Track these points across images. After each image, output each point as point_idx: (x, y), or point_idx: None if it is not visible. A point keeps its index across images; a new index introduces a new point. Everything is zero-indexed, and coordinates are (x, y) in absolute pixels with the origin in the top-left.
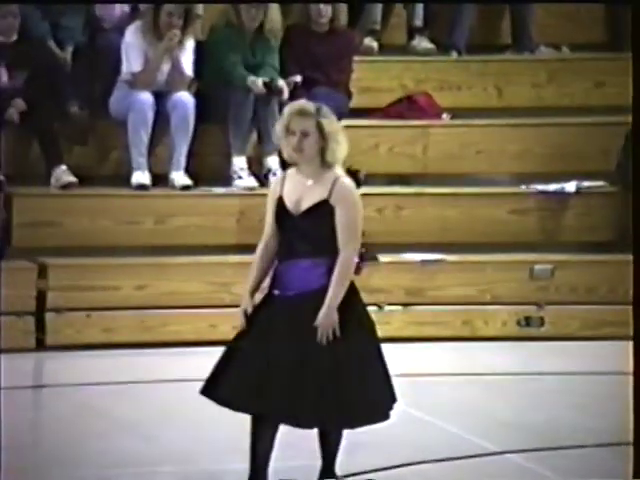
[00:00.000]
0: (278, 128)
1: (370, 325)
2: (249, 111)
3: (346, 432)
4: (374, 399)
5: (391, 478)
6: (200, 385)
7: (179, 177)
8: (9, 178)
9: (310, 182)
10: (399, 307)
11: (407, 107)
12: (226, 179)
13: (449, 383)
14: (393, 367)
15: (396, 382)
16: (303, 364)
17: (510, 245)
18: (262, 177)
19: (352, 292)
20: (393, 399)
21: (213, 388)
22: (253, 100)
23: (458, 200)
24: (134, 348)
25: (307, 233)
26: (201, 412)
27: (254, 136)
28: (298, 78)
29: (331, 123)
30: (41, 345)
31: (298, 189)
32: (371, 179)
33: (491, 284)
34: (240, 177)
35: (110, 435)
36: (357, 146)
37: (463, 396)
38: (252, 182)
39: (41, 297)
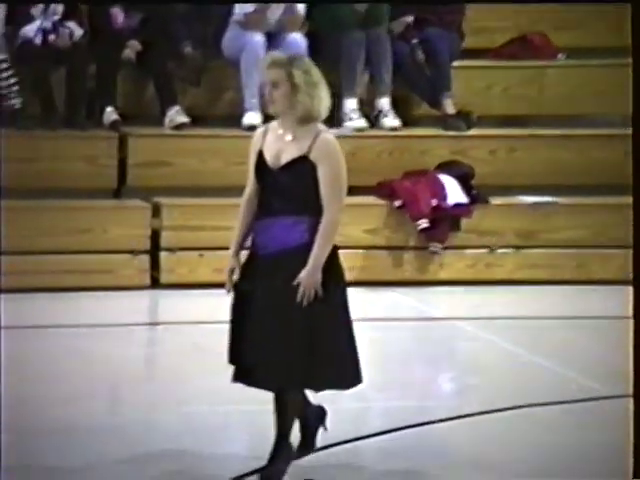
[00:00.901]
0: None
1: (345, 290)
2: (361, 52)
3: (456, 374)
4: (344, 363)
5: (503, 420)
6: None
7: None
8: (124, 118)
9: (289, 136)
10: (511, 250)
11: (521, 47)
12: (337, 120)
13: (562, 327)
14: (506, 311)
15: (507, 325)
16: (280, 324)
17: (626, 187)
18: (373, 118)
19: (333, 254)
20: (358, 377)
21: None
22: (365, 40)
23: (573, 142)
24: None
25: (286, 189)
26: None
27: (365, 77)
28: (410, 19)
29: (305, 74)
30: (156, 283)
31: (278, 143)
32: (484, 120)
33: (606, 227)
34: (351, 118)
35: (221, 373)
36: (469, 87)
37: (576, 340)
38: (363, 123)
39: (155, 236)
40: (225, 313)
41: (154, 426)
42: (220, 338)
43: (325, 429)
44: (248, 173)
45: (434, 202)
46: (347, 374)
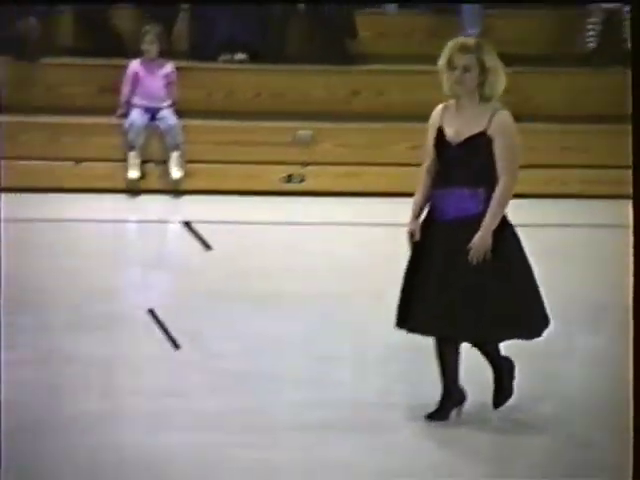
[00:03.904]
0: (440, 63)
1: (519, 247)
2: None
3: None
4: (522, 315)
5: None
6: None
7: None
8: None
9: (469, 114)
10: None
11: None
12: None
13: None
14: None
15: None
16: (451, 280)
17: None
18: None
19: (504, 220)
20: (546, 320)
21: (401, 319)
22: None
23: None
24: None
25: (465, 162)
26: None
27: None
28: None
29: (491, 58)
30: None
31: (457, 120)
32: None
33: None
34: None
35: None
36: None
37: None
38: None
39: None
40: None
41: None
42: None
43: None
44: (426, 148)
45: None
46: (528, 323)
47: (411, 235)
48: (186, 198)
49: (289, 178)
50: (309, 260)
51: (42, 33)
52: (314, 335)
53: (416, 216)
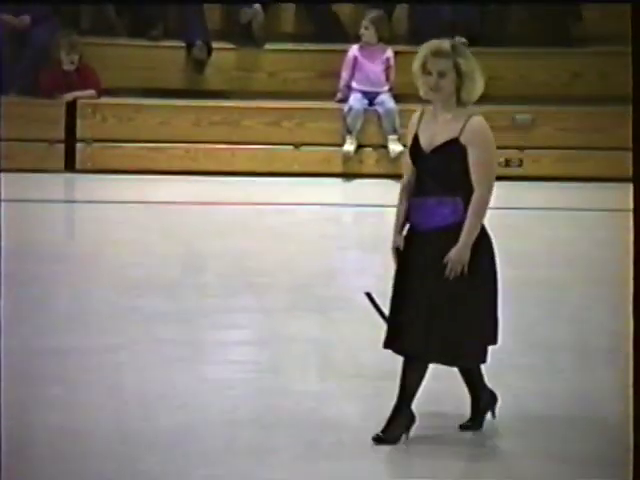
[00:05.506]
0: (414, 67)
1: (491, 262)
2: None
3: None
4: (483, 336)
5: None
6: None
7: None
8: None
9: (443, 120)
10: None
11: None
12: None
13: None
14: None
15: None
16: (424, 296)
17: None
18: None
19: (482, 230)
20: (494, 341)
21: (388, 339)
22: None
23: None
24: None
25: (436, 170)
26: None
27: None
28: None
29: (468, 62)
30: None
31: (432, 127)
32: None
33: None
34: None
35: None
36: None
37: None
38: None
39: None
40: None
41: None
42: None
43: (493, 417)
44: (405, 157)
45: None
46: (481, 347)
47: (396, 250)
48: None
49: (507, 162)
50: (528, 245)
51: (265, 19)
52: (533, 322)
53: (399, 231)
